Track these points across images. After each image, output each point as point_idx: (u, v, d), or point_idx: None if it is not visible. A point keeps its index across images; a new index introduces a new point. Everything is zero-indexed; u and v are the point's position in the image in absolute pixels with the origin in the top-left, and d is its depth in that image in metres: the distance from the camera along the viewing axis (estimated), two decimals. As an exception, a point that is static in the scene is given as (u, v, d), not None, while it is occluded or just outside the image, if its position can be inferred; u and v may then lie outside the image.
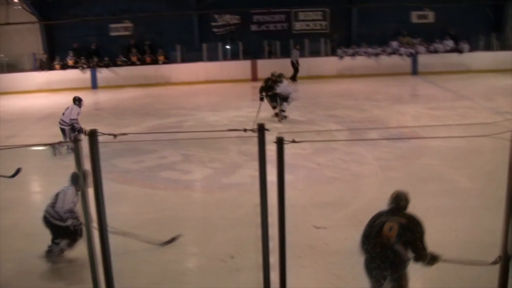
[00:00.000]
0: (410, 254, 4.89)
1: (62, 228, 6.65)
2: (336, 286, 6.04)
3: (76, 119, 12.31)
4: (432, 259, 4.95)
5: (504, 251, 4.64)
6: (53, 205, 6.69)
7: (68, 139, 11.86)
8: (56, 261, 6.75)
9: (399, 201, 5.06)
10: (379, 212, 5.12)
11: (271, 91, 15.19)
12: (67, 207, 6.61)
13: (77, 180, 6.53)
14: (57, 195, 6.72)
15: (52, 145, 11.67)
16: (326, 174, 10.24)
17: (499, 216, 4.56)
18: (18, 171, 8.36)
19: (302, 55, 24.39)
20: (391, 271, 4.94)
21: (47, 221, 6.71)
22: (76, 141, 4.48)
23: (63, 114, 12.45)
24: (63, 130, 12.19)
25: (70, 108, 12.47)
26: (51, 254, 6.78)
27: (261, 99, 15.32)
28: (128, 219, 7.50)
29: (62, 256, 6.84)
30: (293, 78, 23.62)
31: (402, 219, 4.90)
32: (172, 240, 7.15)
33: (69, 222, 6.61)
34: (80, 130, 12.01)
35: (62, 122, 12.33)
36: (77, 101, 12.53)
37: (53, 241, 6.82)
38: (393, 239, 4.84)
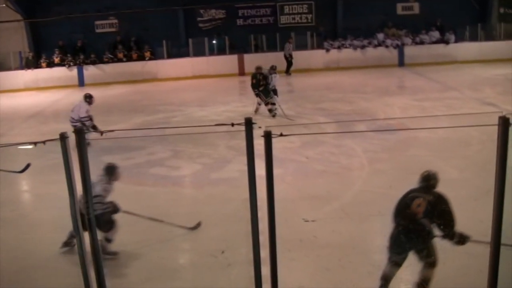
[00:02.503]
0: (438, 231, 5.15)
1: (97, 218, 6.60)
2: (325, 278, 6.06)
3: (86, 117, 12.14)
4: (460, 239, 5.16)
5: (494, 240, 4.66)
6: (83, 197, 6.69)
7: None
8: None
9: (429, 180, 5.34)
10: (410, 189, 5.40)
11: (263, 85, 14.94)
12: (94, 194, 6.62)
13: (110, 171, 6.74)
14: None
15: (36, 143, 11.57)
16: (315, 167, 10.26)
17: (488, 206, 4.59)
18: (27, 166, 8.34)
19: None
20: (417, 245, 5.24)
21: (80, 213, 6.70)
22: (63, 138, 4.45)
23: (72, 111, 12.36)
24: (75, 127, 11.98)
25: (78, 105, 12.33)
26: (69, 245, 6.85)
27: (257, 95, 15.15)
28: (118, 216, 7.47)
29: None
30: (287, 71, 23.69)
31: (430, 197, 5.20)
32: (197, 225, 7.47)
33: (97, 212, 6.60)
34: (94, 127, 11.96)
35: (72, 120, 12.19)
36: (88, 98, 12.37)
37: (72, 234, 6.80)
38: (420, 215, 5.14)
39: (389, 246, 5.40)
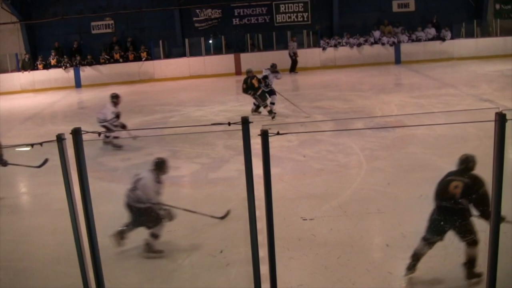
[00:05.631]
0: (475, 211, 5.34)
1: (146, 211, 6.66)
2: (324, 276, 6.06)
3: (114, 119, 12.04)
4: None
5: (493, 235, 4.67)
6: (133, 190, 6.69)
7: (112, 133, 11.97)
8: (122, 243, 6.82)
9: (467, 163, 5.58)
10: (449, 172, 5.64)
11: (259, 88, 14.62)
12: (147, 195, 6.67)
13: (160, 166, 6.80)
14: (136, 181, 6.73)
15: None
16: (313, 166, 10.25)
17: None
18: (45, 161, 8.39)
19: (286, 47, 24.42)
20: (455, 224, 5.42)
21: (129, 206, 6.72)
22: (60, 140, 4.45)
23: (99, 112, 12.36)
24: (104, 127, 11.97)
25: (104, 106, 12.30)
26: (120, 234, 6.78)
27: (254, 98, 14.90)
28: (116, 217, 7.47)
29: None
30: (292, 70, 23.68)
31: (467, 179, 5.40)
32: (227, 214, 7.61)
33: (142, 206, 6.64)
34: (123, 126, 12.07)
35: (98, 120, 12.10)
36: (114, 98, 12.28)
37: (126, 224, 6.79)
38: (457, 196, 5.38)
39: (428, 226, 5.57)
